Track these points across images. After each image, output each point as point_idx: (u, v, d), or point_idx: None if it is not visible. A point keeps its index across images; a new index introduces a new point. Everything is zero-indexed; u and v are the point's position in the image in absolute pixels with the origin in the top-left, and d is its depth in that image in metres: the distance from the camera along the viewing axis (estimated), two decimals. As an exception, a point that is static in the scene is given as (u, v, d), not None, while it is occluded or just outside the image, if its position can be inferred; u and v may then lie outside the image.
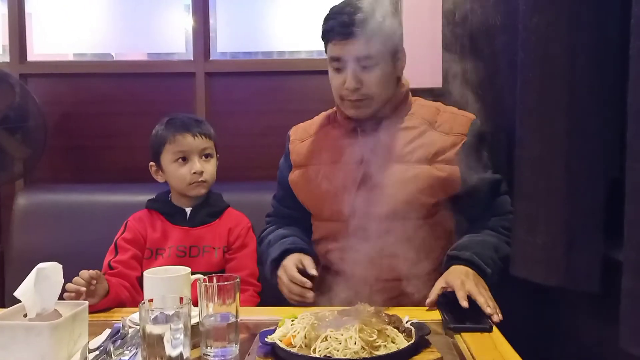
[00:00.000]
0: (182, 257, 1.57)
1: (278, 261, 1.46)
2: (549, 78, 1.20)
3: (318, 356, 0.94)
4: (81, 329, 1.05)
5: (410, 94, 1.54)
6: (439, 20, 1.95)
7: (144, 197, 1.70)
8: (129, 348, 1.02)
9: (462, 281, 1.27)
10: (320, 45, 1.48)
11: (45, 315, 1.03)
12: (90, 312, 1.11)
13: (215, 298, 1.04)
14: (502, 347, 1.06)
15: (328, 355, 0.94)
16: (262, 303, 1.59)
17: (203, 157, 1.62)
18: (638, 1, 0.93)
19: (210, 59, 2.30)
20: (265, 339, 1.01)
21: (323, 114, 1.64)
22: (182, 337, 0.90)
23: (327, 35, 1.43)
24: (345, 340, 0.95)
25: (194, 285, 1.20)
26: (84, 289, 1.26)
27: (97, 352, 1.00)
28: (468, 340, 1.08)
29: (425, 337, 1.02)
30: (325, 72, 1.48)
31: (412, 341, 0.98)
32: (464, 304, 1.21)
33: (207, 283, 1.05)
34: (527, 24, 1.23)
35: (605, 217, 1.15)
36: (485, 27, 1.77)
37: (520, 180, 1.29)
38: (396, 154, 1.44)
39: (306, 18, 2.29)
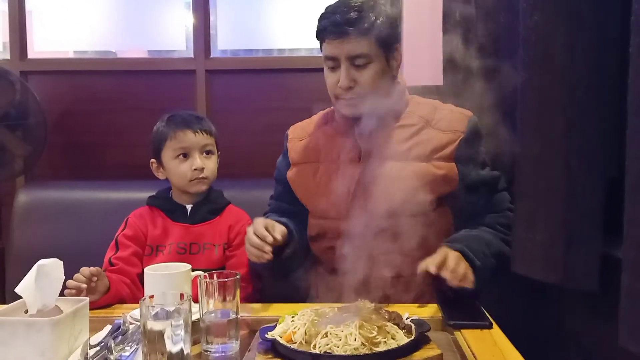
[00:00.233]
0: (183, 254, 1.57)
1: None
2: (549, 76, 1.20)
3: (318, 352, 0.94)
4: (82, 325, 1.06)
5: (407, 92, 1.54)
6: (440, 18, 1.94)
7: (145, 194, 1.70)
8: (130, 344, 1.02)
9: (447, 254, 1.28)
10: (320, 43, 1.48)
11: (46, 311, 1.03)
12: (91, 309, 1.11)
13: (216, 294, 1.05)
14: (501, 343, 1.06)
15: (328, 351, 0.94)
16: (262, 300, 1.60)
17: (204, 153, 1.62)
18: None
19: (211, 56, 2.30)
20: (266, 335, 1.01)
21: (321, 113, 1.64)
22: (182, 333, 0.90)
23: (321, 34, 1.43)
24: (346, 336, 0.95)
25: (194, 282, 1.20)
26: (84, 285, 1.26)
27: (98, 348, 1.00)
28: (468, 337, 1.08)
29: (425, 333, 1.02)
30: (326, 70, 1.48)
31: (412, 338, 0.99)
32: (432, 268, 1.22)
33: (208, 280, 1.06)
34: (527, 22, 1.23)
35: (605, 215, 1.15)
36: (487, 25, 1.77)
37: (520, 178, 1.30)
38: (393, 151, 1.45)
39: (306, 15, 2.29)
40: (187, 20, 2.32)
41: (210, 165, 1.63)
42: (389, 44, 1.42)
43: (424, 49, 2.00)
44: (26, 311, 1.03)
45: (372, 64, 1.40)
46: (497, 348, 1.04)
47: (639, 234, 0.93)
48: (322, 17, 1.43)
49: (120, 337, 1.04)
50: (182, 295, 0.95)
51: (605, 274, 1.13)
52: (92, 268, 1.29)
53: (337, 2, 1.43)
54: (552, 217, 1.20)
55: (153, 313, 0.90)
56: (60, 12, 2.38)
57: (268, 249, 1.30)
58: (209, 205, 1.66)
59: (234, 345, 1.05)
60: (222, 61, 2.31)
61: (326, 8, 1.43)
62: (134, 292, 1.46)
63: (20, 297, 1.03)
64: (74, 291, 1.25)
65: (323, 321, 1.01)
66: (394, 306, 1.23)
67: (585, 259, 1.16)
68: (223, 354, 1.03)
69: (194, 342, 1.02)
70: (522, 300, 1.58)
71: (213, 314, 1.05)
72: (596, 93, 1.14)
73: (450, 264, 1.25)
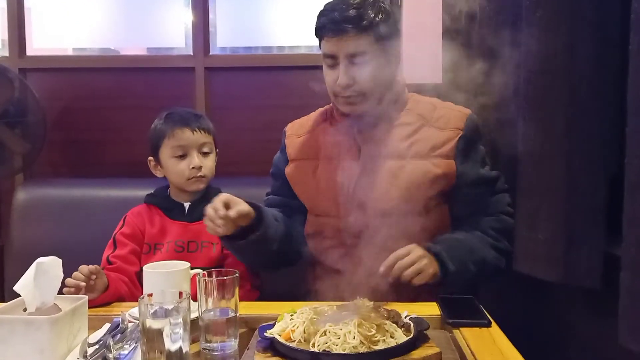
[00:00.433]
0: (181, 252, 1.57)
1: None
2: (550, 74, 1.20)
3: (317, 351, 0.94)
4: (81, 323, 1.05)
5: (406, 90, 1.54)
6: (440, 15, 1.94)
7: (144, 192, 1.70)
8: (129, 342, 1.02)
9: (410, 250, 1.30)
10: (320, 40, 1.48)
11: (44, 309, 1.03)
12: (89, 307, 1.11)
13: (215, 293, 1.05)
14: (500, 342, 1.06)
15: (327, 349, 0.94)
16: (261, 298, 1.60)
17: (202, 152, 1.62)
18: (638, -3, 0.93)
19: (210, 53, 2.29)
20: (264, 334, 1.01)
21: (320, 110, 1.64)
22: (181, 331, 0.90)
23: (320, 31, 1.42)
24: (344, 334, 0.95)
25: (193, 280, 1.20)
26: (83, 283, 1.26)
27: (97, 347, 1.00)
28: (467, 335, 1.08)
29: (424, 332, 1.02)
30: (326, 68, 1.48)
31: (411, 336, 0.99)
32: (381, 269, 1.27)
33: (207, 278, 1.05)
34: (529, 19, 1.23)
35: (606, 214, 1.15)
36: (488, 22, 1.76)
37: (521, 176, 1.30)
38: (392, 149, 1.44)
39: (306, 13, 2.28)
40: (186, 17, 2.31)
41: (208, 163, 1.62)
42: (388, 41, 1.41)
43: (423, 46, 2.00)
44: (25, 309, 1.03)
45: (371, 61, 1.39)
46: (496, 346, 1.04)
47: (639, 232, 0.93)
48: (321, 14, 1.42)
49: (119, 335, 1.04)
50: (180, 294, 0.95)
51: (607, 272, 1.13)
52: (91, 266, 1.29)
53: None
54: (554, 215, 1.20)
55: (152, 311, 0.90)
56: (59, 9, 2.38)
57: (219, 222, 1.31)
58: (207, 203, 1.64)
59: (233, 344, 1.05)
60: (221, 59, 2.31)
61: (325, 5, 1.43)
62: (132, 291, 1.46)
63: (19, 295, 1.03)
64: (72, 289, 1.25)
65: (322, 319, 1.01)
66: (393, 304, 1.23)
67: (587, 257, 1.16)
68: (222, 352, 1.03)
69: (193, 341, 1.02)
70: (521, 299, 1.59)
71: (212, 312, 1.05)
72: (597, 92, 1.14)
73: (405, 262, 1.27)
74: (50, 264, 1.05)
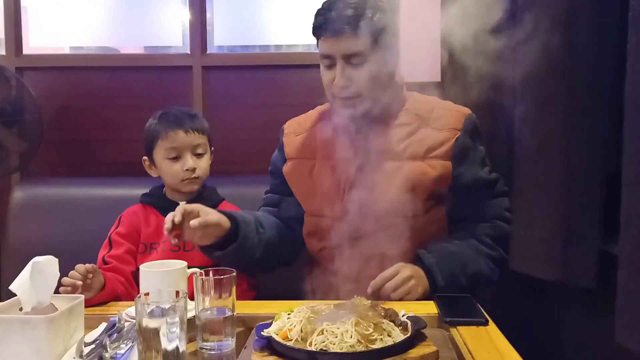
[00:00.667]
0: (177, 252, 1.56)
1: None
2: (548, 73, 1.20)
3: (314, 350, 0.94)
4: (77, 322, 1.05)
5: (405, 89, 1.53)
6: (438, 14, 1.94)
7: (140, 191, 1.70)
8: (125, 342, 1.02)
9: (398, 270, 1.31)
10: (317, 39, 1.47)
11: (41, 309, 1.02)
12: (86, 306, 1.11)
13: (212, 292, 1.05)
14: (498, 340, 1.06)
15: (324, 348, 0.94)
16: (257, 297, 1.59)
17: (196, 153, 1.61)
18: (636, -5, 0.93)
19: (207, 52, 2.29)
20: (262, 333, 1.01)
21: (318, 109, 1.63)
22: (178, 330, 0.90)
23: (317, 31, 1.41)
24: (342, 333, 0.95)
25: (189, 279, 1.20)
26: (80, 282, 1.25)
27: (93, 346, 1.00)
28: (464, 334, 1.08)
29: (422, 330, 1.02)
30: (323, 66, 1.47)
31: (408, 335, 0.98)
32: (369, 290, 1.28)
33: (204, 277, 1.05)
34: (526, 17, 1.23)
35: (603, 212, 1.15)
36: (486, 20, 1.76)
37: (518, 175, 1.30)
38: (389, 150, 1.43)
39: (303, 11, 2.28)
40: (183, 16, 2.31)
41: (202, 164, 1.62)
42: (386, 41, 1.39)
43: (421, 44, 2.00)
44: (21, 309, 1.03)
45: (368, 62, 1.38)
46: (493, 345, 1.04)
47: (636, 231, 0.93)
48: (318, 14, 1.41)
49: (115, 334, 1.04)
50: (177, 293, 0.95)
51: (604, 271, 1.13)
52: (87, 265, 1.28)
53: None
54: (551, 214, 1.20)
55: (148, 310, 0.90)
56: (55, 8, 2.37)
57: (167, 227, 1.29)
58: (203, 202, 1.63)
59: (230, 343, 1.04)
60: (218, 57, 2.30)
61: (322, 4, 1.41)
62: (129, 291, 1.46)
63: (15, 295, 1.02)
64: (69, 288, 1.25)
65: (319, 318, 1.01)
66: (390, 303, 1.23)
67: (583, 256, 1.16)
68: (219, 351, 1.03)
69: (190, 340, 1.02)
70: (518, 297, 1.59)
71: (209, 312, 1.04)
72: (594, 90, 1.14)
73: (393, 284, 1.29)
74: (46, 263, 1.05)
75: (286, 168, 1.57)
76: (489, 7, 1.31)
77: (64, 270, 1.18)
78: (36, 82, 2.23)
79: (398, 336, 0.98)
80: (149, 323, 0.89)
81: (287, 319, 1.03)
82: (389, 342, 0.96)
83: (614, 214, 1.02)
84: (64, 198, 1.97)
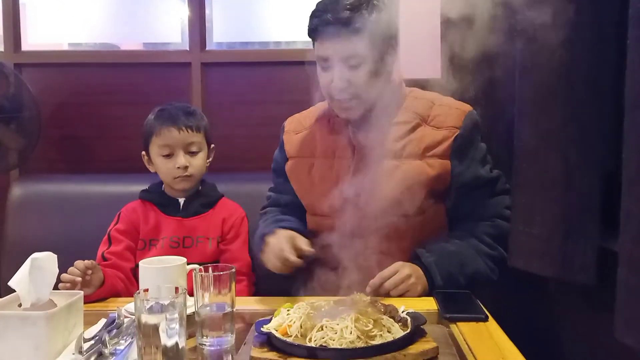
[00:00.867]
0: (176, 248, 1.56)
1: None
2: (547, 69, 1.19)
3: (314, 346, 0.94)
4: (76, 318, 1.05)
5: (404, 86, 1.52)
6: (438, 10, 1.93)
7: (139, 188, 1.69)
8: (125, 338, 1.02)
9: (397, 270, 1.32)
10: (317, 35, 1.46)
11: (40, 305, 1.02)
12: (85, 302, 1.11)
13: (211, 288, 1.05)
14: (497, 336, 1.06)
15: (324, 344, 0.94)
16: (257, 293, 1.59)
17: (189, 151, 1.60)
18: (636, -9, 0.93)
19: (206, 49, 2.28)
20: (261, 329, 1.01)
21: (319, 106, 1.61)
22: (177, 326, 0.90)
23: (312, 34, 1.39)
24: (341, 329, 0.95)
25: (189, 275, 1.20)
26: (79, 279, 1.25)
27: (93, 342, 0.99)
28: (464, 330, 1.09)
29: (421, 326, 1.02)
30: (322, 63, 1.46)
31: (408, 331, 0.99)
32: (368, 289, 1.28)
33: (203, 273, 1.05)
34: (525, 14, 1.22)
35: (602, 208, 1.15)
36: (485, 17, 1.76)
37: (517, 171, 1.29)
38: (388, 149, 1.42)
39: (303, 8, 2.27)
40: (182, 12, 2.30)
41: (195, 163, 1.61)
42: (384, 41, 1.36)
43: (421, 41, 1.99)
44: (20, 305, 1.03)
45: (365, 64, 1.35)
46: (492, 341, 1.04)
47: (636, 227, 0.93)
48: (313, 15, 1.38)
49: (114, 330, 1.04)
50: (177, 289, 0.95)
51: (603, 267, 1.13)
52: (86, 261, 1.28)
53: None
54: (550, 210, 1.20)
55: (148, 307, 0.90)
56: (54, 4, 2.36)
57: (298, 262, 1.28)
58: (202, 198, 1.65)
59: (230, 339, 1.04)
60: (217, 54, 2.30)
61: (317, 5, 1.38)
62: (128, 287, 1.46)
63: (14, 291, 1.02)
64: (68, 285, 1.24)
65: (319, 314, 1.01)
66: (390, 299, 1.23)
67: (582, 252, 1.16)
68: (218, 347, 1.03)
69: (189, 336, 1.02)
70: (518, 293, 1.58)
71: (208, 308, 1.04)
72: (593, 86, 1.14)
73: (391, 283, 1.30)
74: (45, 260, 1.04)
75: (287, 166, 1.56)
76: (489, 3, 1.31)
77: (63, 267, 1.18)
78: (35, 78, 2.23)
79: (398, 332, 0.98)
80: (148, 319, 0.88)
81: (286, 315, 1.03)
82: (389, 338, 0.96)
83: (613, 211, 1.02)
84: (63, 195, 1.96)
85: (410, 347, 0.96)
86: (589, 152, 1.15)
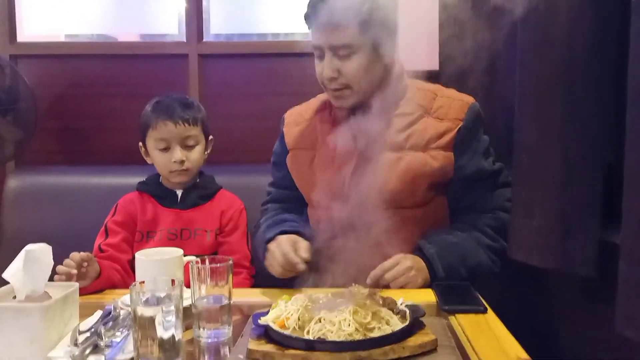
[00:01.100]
0: (174, 240, 1.55)
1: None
2: (547, 63, 1.19)
3: (312, 338, 0.93)
4: (72, 310, 1.04)
5: (405, 78, 1.50)
6: (436, 2, 1.92)
7: (136, 179, 1.68)
8: (121, 330, 1.01)
9: (398, 261, 1.31)
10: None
11: (35, 297, 1.01)
12: (81, 294, 1.10)
13: (208, 280, 1.04)
14: (496, 328, 1.06)
15: (322, 337, 0.93)
16: (255, 285, 1.59)
17: (186, 145, 1.59)
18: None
19: (204, 40, 2.27)
20: (259, 321, 1.00)
21: (319, 98, 1.61)
22: (173, 319, 0.89)
23: (306, 22, 1.40)
24: (339, 322, 0.94)
25: (186, 268, 1.19)
26: (75, 271, 1.24)
27: (88, 334, 0.99)
28: (462, 322, 1.08)
29: (420, 319, 1.01)
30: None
31: (407, 323, 0.98)
32: (368, 281, 1.29)
33: (200, 265, 1.04)
34: (526, 8, 1.21)
35: (602, 202, 1.14)
36: (485, 10, 1.75)
37: (517, 164, 1.29)
38: (389, 141, 1.42)
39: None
40: (179, 3, 2.28)
41: (192, 156, 1.59)
42: (379, 32, 1.35)
43: (419, 33, 1.98)
44: (14, 297, 1.02)
45: (357, 54, 1.35)
46: (491, 333, 1.03)
47: (637, 222, 0.92)
48: (309, 4, 1.38)
49: (110, 322, 1.03)
50: (173, 281, 0.94)
51: (603, 260, 1.13)
52: (82, 253, 1.27)
53: None
54: (550, 203, 1.20)
55: (144, 299, 0.89)
56: (50, -5, 2.34)
57: (302, 267, 1.29)
58: (200, 190, 1.64)
59: (227, 331, 1.04)
60: (215, 45, 2.28)
61: None
62: (125, 279, 1.45)
63: (9, 283, 1.01)
64: (64, 277, 1.23)
65: (317, 307, 1.00)
66: (388, 291, 1.22)
67: (583, 245, 1.15)
68: (215, 339, 1.02)
69: (186, 328, 1.01)
70: (517, 285, 1.58)
71: (205, 300, 1.04)
72: (594, 80, 1.13)
73: (392, 275, 1.29)
74: (39, 251, 1.03)
75: (288, 159, 1.55)
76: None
77: (60, 259, 1.17)
78: (31, 70, 2.21)
79: (396, 324, 0.98)
80: (145, 311, 0.88)
81: (284, 308, 1.02)
82: (387, 330, 0.95)
83: (613, 204, 1.02)
84: (59, 186, 1.95)
85: (409, 339, 0.96)
86: (590, 145, 1.15)
